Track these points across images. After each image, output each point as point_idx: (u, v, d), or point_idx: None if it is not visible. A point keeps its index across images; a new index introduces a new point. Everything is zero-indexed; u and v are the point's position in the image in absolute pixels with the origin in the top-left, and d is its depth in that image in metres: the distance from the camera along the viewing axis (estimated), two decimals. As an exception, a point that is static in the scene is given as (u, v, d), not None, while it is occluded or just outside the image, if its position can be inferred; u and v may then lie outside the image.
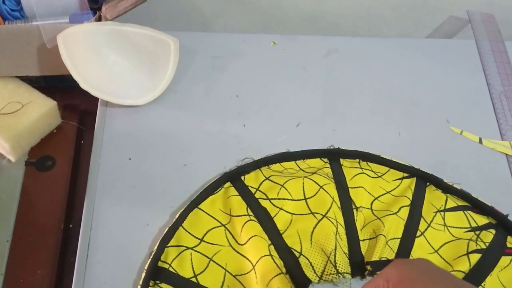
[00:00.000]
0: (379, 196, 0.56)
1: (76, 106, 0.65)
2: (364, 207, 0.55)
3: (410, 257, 0.52)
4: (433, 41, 0.77)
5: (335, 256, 0.51)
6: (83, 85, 0.60)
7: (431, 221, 0.55)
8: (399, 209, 0.55)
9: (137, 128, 0.62)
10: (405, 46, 0.73)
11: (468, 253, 0.52)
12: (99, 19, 0.61)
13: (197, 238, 0.52)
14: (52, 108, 0.61)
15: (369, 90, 0.68)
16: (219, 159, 0.60)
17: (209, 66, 0.68)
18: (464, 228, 0.55)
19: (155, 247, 0.51)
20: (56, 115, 0.62)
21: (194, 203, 0.54)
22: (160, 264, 0.50)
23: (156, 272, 0.50)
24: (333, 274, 0.50)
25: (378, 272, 0.49)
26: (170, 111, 0.63)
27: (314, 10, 0.85)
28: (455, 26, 0.83)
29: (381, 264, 0.51)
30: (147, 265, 0.50)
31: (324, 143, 0.62)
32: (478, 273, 0.51)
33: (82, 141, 0.63)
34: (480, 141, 0.63)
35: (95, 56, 0.60)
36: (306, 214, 0.54)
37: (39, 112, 0.60)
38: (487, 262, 0.52)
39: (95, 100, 0.62)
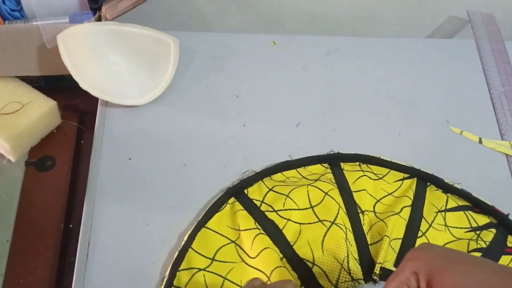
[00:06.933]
0: (381, 198, 0.56)
1: (76, 106, 0.65)
2: (368, 210, 0.55)
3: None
4: (433, 41, 0.77)
5: (348, 263, 0.50)
6: (83, 85, 0.60)
7: (432, 221, 0.55)
8: (401, 209, 0.54)
9: (137, 128, 0.62)
10: (405, 46, 0.73)
11: (468, 252, 0.52)
12: (99, 19, 0.61)
13: (208, 258, 0.51)
14: (52, 108, 0.61)
15: (369, 90, 0.68)
16: (219, 159, 0.60)
17: (209, 66, 0.68)
18: (465, 228, 0.55)
19: (167, 273, 0.50)
20: (56, 115, 0.62)
21: (201, 223, 0.53)
22: None
23: None
24: (348, 281, 0.50)
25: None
26: (170, 111, 0.63)
27: (314, 10, 0.85)
28: (455, 26, 0.83)
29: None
30: None
31: (324, 143, 0.62)
32: (479, 272, 0.51)
33: (82, 141, 0.63)
34: (480, 141, 0.63)
35: (95, 56, 0.60)
36: (314, 222, 0.53)
37: (39, 112, 0.60)
38: (487, 261, 0.52)
39: (95, 100, 0.62)
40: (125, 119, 0.62)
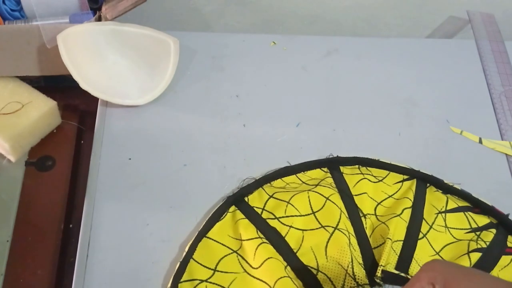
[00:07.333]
0: (382, 201, 0.56)
1: (76, 106, 0.65)
2: (370, 214, 0.55)
3: (413, 260, 0.52)
4: (433, 41, 0.77)
5: (352, 268, 0.50)
6: (83, 85, 0.60)
7: (433, 223, 0.54)
8: (402, 211, 0.54)
9: (137, 128, 0.62)
10: (405, 46, 0.73)
11: (468, 252, 0.52)
12: (99, 19, 0.61)
13: (210, 269, 0.51)
14: (52, 108, 0.61)
15: (369, 90, 0.68)
16: (219, 159, 0.60)
17: (209, 66, 0.68)
18: (465, 229, 0.55)
19: (169, 285, 0.50)
20: (56, 115, 0.62)
21: (202, 233, 0.53)
22: None
23: None
24: (354, 287, 0.49)
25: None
26: (170, 111, 0.63)
27: (314, 10, 0.85)
28: (455, 26, 0.83)
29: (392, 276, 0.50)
30: None
31: (324, 143, 0.62)
32: (479, 272, 0.51)
33: (82, 141, 0.63)
34: (480, 141, 0.63)
35: (95, 56, 0.60)
36: (317, 228, 0.53)
37: (39, 112, 0.60)
38: (487, 261, 0.52)
39: (95, 100, 0.62)
40: (125, 119, 0.62)
